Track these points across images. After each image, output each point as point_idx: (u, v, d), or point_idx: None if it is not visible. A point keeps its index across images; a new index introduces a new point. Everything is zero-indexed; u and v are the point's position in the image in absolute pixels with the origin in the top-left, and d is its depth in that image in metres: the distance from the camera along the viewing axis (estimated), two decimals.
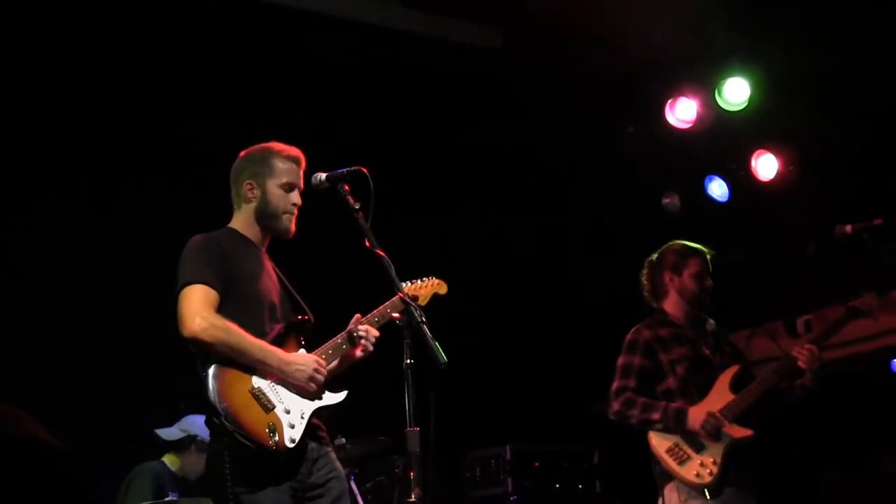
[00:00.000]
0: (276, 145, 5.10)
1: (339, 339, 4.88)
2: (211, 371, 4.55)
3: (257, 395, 4.58)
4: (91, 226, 7.89)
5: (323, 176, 4.88)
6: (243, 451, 4.45)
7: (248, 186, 5.02)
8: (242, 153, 5.14)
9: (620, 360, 6.59)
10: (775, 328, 10.12)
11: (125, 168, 8.06)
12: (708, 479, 6.19)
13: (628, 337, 6.65)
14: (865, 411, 9.50)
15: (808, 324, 9.85)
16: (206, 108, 8.02)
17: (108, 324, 7.80)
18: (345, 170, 4.82)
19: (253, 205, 5.03)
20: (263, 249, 5.08)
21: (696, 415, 6.31)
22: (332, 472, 4.76)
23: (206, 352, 4.59)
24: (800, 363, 6.35)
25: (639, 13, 8.05)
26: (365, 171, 4.71)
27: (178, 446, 7.51)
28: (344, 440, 7.00)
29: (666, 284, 6.73)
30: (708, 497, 6.22)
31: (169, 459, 7.55)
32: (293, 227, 5.04)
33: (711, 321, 6.73)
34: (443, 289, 5.41)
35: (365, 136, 8.18)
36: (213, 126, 7.80)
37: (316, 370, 4.70)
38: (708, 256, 6.69)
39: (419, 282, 5.31)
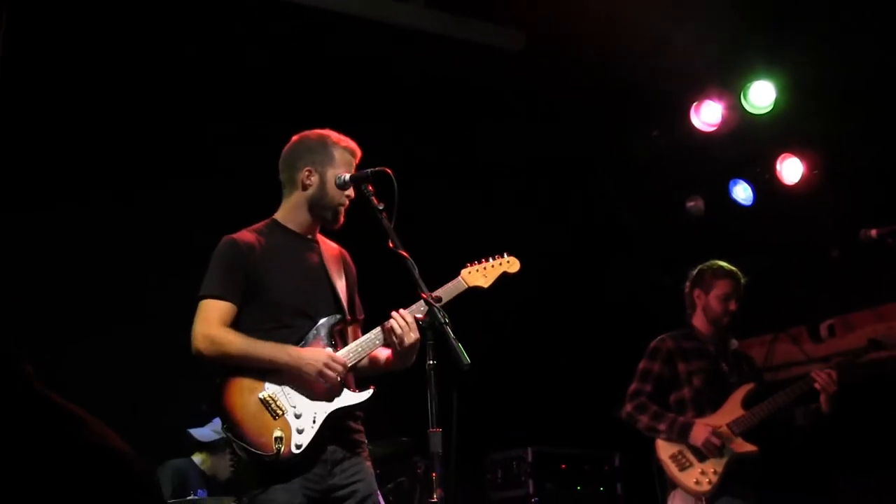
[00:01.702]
0: (334, 134, 5.05)
1: (371, 333, 4.82)
2: (222, 380, 4.63)
3: (267, 402, 4.59)
4: (122, 219, 7.90)
5: (347, 177, 4.89)
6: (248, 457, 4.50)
7: (307, 172, 4.96)
8: (296, 137, 5.09)
9: (641, 365, 6.82)
10: (799, 333, 10.08)
11: (148, 168, 8.07)
12: (706, 487, 6.38)
13: (652, 344, 6.87)
14: (884, 417, 9.45)
15: (832, 328, 9.81)
16: (224, 109, 8.03)
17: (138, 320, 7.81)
18: (369, 171, 4.82)
19: (309, 192, 4.96)
20: (311, 238, 5.04)
21: (700, 431, 6.49)
22: (357, 473, 4.73)
23: (213, 366, 4.66)
24: (816, 385, 6.43)
25: (663, 16, 8.03)
26: (389, 171, 4.69)
27: (212, 447, 7.53)
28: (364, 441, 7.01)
29: (695, 301, 6.94)
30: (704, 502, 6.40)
31: (199, 457, 7.57)
32: (342, 219, 4.99)
33: (735, 341, 6.96)
34: (514, 267, 5.16)
35: (387, 137, 8.17)
36: (228, 126, 7.85)
37: (327, 365, 4.62)
38: (741, 280, 6.79)
39: (488, 262, 5.11)
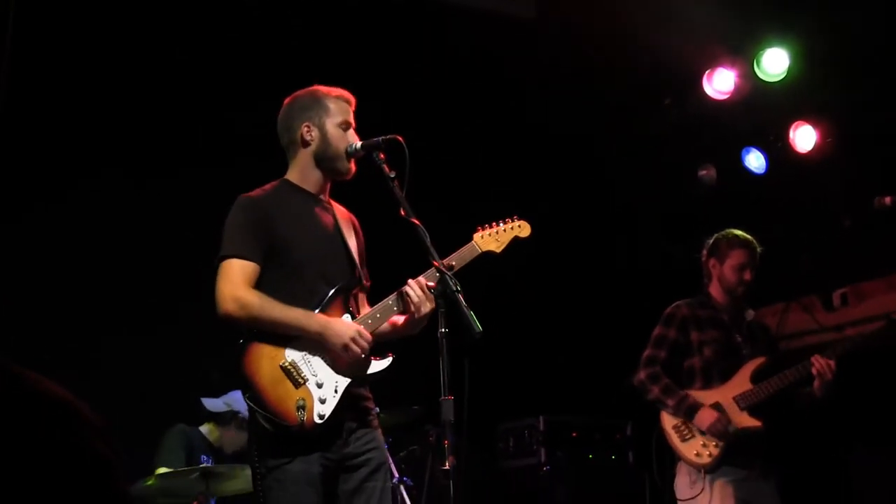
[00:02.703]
0: (323, 87, 5.02)
1: (388, 300, 4.78)
2: (242, 347, 4.59)
3: (288, 370, 4.57)
4: (137, 197, 7.93)
5: (359, 144, 4.86)
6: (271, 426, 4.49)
7: (306, 128, 4.93)
8: (288, 100, 5.07)
9: (656, 331, 6.82)
10: (811, 302, 10.06)
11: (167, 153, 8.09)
12: (707, 460, 6.41)
13: (668, 310, 6.88)
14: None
15: (844, 297, 9.80)
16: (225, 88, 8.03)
17: (147, 293, 7.83)
18: (381, 138, 4.79)
19: (312, 147, 4.94)
20: (324, 197, 5.01)
21: (706, 415, 6.51)
22: (370, 442, 4.73)
23: (241, 328, 4.63)
24: (812, 370, 6.42)
25: None
26: (401, 139, 4.67)
27: (221, 419, 7.56)
28: (377, 409, 7.02)
29: (711, 270, 6.90)
30: (703, 475, 6.43)
31: (207, 428, 7.61)
32: (353, 167, 4.95)
33: (752, 311, 6.92)
34: (525, 231, 5.12)
35: (399, 106, 8.15)
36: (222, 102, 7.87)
37: (354, 340, 4.59)
38: (757, 249, 6.77)
39: (499, 226, 5.06)
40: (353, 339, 4.59)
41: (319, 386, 4.58)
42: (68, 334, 7.48)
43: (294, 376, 4.56)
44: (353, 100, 5.04)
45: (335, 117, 4.94)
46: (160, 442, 7.31)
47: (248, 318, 4.60)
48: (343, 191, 5.14)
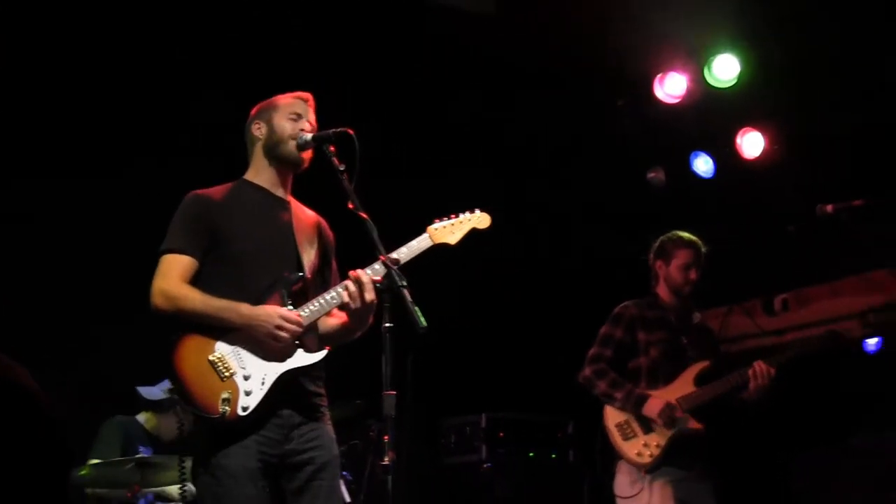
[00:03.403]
0: (283, 94, 5.07)
1: (328, 294, 4.74)
2: (174, 340, 4.58)
3: (215, 364, 4.54)
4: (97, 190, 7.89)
5: (309, 136, 4.86)
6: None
7: (256, 126, 4.99)
8: (253, 110, 5.11)
9: (603, 330, 6.87)
10: (753, 306, 10.15)
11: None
12: (647, 459, 6.47)
13: (616, 310, 6.94)
14: (836, 392, 9.55)
15: (786, 302, 9.90)
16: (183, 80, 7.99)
17: (91, 282, 7.78)
18: (331, 131, 4.78)
19: (261, 141, 4.97)
20: (282, 195, 4.99)
21: (655, 403, 6.56)
22: (316, 439, 4.69)
23: (171, 321, 4.62)
24: (750, 372, 6.48)
25: None
26: (351, 132, 4.66)
27: (158, 407, 7.53)
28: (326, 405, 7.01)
29: (657, 271, 6.97)
30: (643, 474, 6.49)
31: (144, 417, 7.58)
32: (305, 156, 4.93)
33: (698, 314, 6.97)
34: (484, 222, 5.08)
35: (352, 99, 8.13)
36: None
37: (279, 326, 4.56)
38: (701, 249, 6.83)
39: (456, 217, 5.04)
40: (279, 326, 4.56)
41: (246, 378, 4.55)
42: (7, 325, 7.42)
43: (220, 369, 4.54)
44: (309, 97, 5.06)
45: (285, 111, 4.97)
46: (97, 433, 7.28)
47: (175, 311, 4.61)
48: (309, 188, 5.13)
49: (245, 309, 4.60)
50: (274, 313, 4.59)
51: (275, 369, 4.60)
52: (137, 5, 7.63)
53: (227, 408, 4.45)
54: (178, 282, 4.65)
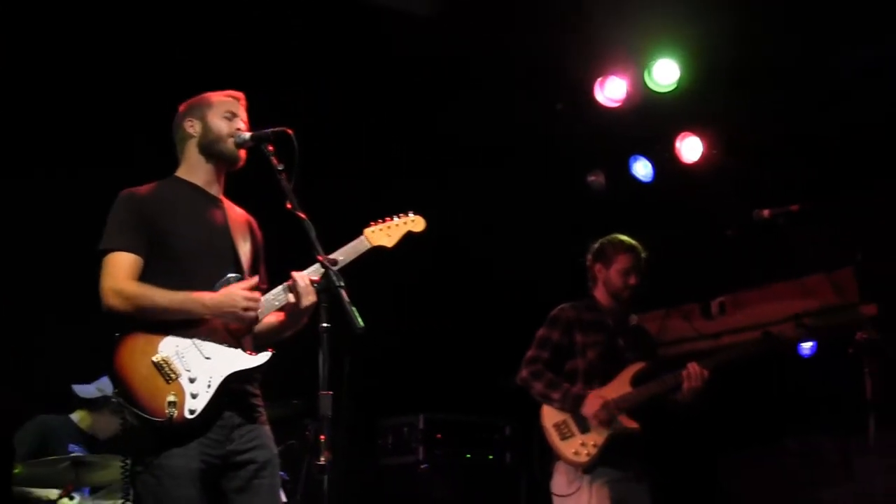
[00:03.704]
0: (214, 91, 5.03)
1: (271, 294, 4.74)
2: (116, 341, 4.54)
3: (160, 366, 4.50)
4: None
5: (247, 135, 4.84)
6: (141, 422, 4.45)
7: (189, 123, 4.94)
8: (180, 107, 5.05)
9: (540, 332, 6.90)
10: (690, 309, 10.23)
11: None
12: (584, 459, 6.51)
13: (553, 312, 6.96)
14: (768, 395, 9.65)
15: (723, 306, 9.99)
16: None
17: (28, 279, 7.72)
18: (270, 130, 4.76)
19: (195, 139, 4.93)
20: (215, 193, 4.97)
21: (592, 402, 6.62)
22: (256, 439, 4.68)
23: (127, 320, 4.57)
24: (683, 373, 6.54)
25: None
26: (290, 132, 4.65)
27: (93, 405, 7.49)
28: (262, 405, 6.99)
29: (597, 274, 6.99)
30: (580, 474, 6.54)
31: (79, 415, 7.53)
32: (241, 154, 4.91)
33: (635, 317, 7.05)
34: (419, 225, 5.10)
35: (287, 100, 8.09)
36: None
37: (245, 308, 4.57)
38: (642, 254, 6.87)
39: (392, 220, 5.04)
40: (246, 308, 4.58)
41: (192, 381, 4.52)
42: None
43: (165, 371, 4.50)
44: (241, 96, 5.04)
45: (219, 109, 4.94)
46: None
47: (133, 308, 4.55)
48: (240, 187, 5.11)
49: (207, 297, 4.59)
50: (237, 294, 4.60)
51: (220, 372, 4.58)
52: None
53: (173, 410, 4.41)
54: (130, 280, 4.61)
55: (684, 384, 6.56)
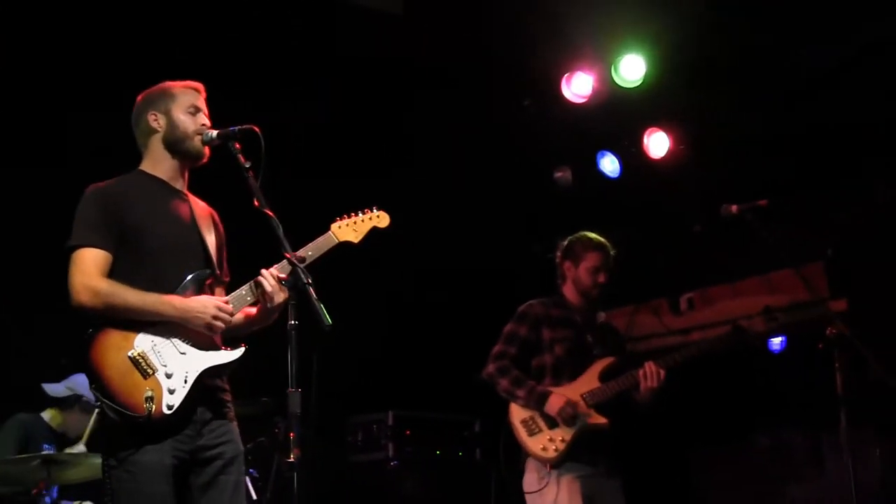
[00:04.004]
0: (171, 81, 5.00)
1: (241, 290, 4.74)
2: (90, 337, 4.52)
3: (136, 361, 4.49)
4: None
5: (214, 133, 4.82)
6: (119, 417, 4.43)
7: (153, 117, 4.90)
8: (139, 97, 5.02)
9: (508, 328, 6.92)
10: (659, 305, 10.26)
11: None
12: (552, 454, 6.53)
13: (521, 308, 6.98)
14: (738, 391, 9.69)
15: (691, 301, 10.02)
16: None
17: None
18: (237, 128, 4.74)
19: (160, 134, 4.90)
20: (180, 187, 4.95)
21: (556, 401, 6.62)
22: (224, 435, 4.68)
23: (96, 317, 4.55)
24: (639, 372, 6.56)
25: None
26: (257, 129, 4.64)
27: (63, 403, 7.48)
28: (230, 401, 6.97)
29: (566, 272, 7.00)
30: (549, 469, 6.53)
31: (49, 414, 7.52)
32: (207, 150, 4.89)
33: (603, 314, 7.07)
34: (384, 221, 5.13)
35: (257, 98, 8.06)
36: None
37: (215, 317, 4.58)
38: (610, 252, 6.88)
39: (357, 216, 5.06)
40: (216, 316, 4.59)
41: (169, 376, 4.51)
42: None
43: (142, 367, 4.49)
44: (201, 88, 5.02)
45: (182, 103, 4.91)
46: None
47: (104, 306, 4.54)
48: (203, 182, 5.08)
49: (178, 302, 4.58)
50: (209, 303, 4.61)
51: (196, 367, 4.59)
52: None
53: (151, 406, 4.41)
54: (101, 277, 4.60)
55: (641, 384, 6.59)
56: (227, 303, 4.66)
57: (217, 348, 4.70)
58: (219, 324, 4.60)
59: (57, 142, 7.92)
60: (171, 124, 4.89)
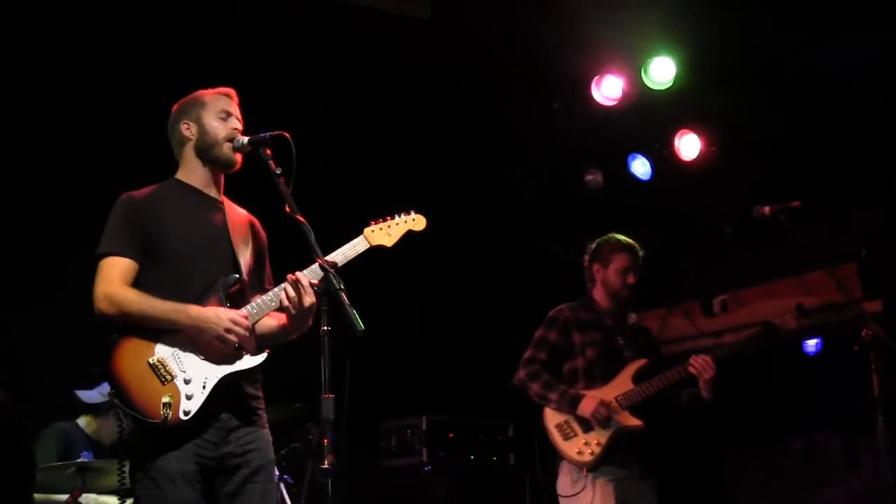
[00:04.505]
0: (203, 90, 5.03)
1: (268, 295, 4.73)
2: (112, 343, 4.55)
3: (155, 367, 4.51)
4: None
5: (245, 140, 4.83)
6: (136, 423, 4.45)
7: (185, 126, 4.93)
8: (174, 107, 5.04)
9: (538, 333, 6.91)
10: (691, 307, 10.22)
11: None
12: (588, 458, 6.50)
13: (551, 313, 6.97)
14: (773, 393, 9.64)
15: (724, 304, 9.98)
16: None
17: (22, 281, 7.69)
18: (267, 134, 4.75)
19: (192, 142, 4.92)
20: (215, 195, 4.97)
21: (589, 403, 6.60)
22: (253, 442, 4.67)
23: (117, 325, 4.58)
24: (691, 370, 6.53)
25: None
26: (287, 135, 4.64)
27: (98, 410, 7.49)
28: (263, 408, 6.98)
29: (594, 274, 6.99)
30: (585, 473, 6.52)
31: (85, 420, 7.53)
32: (238, 157, 4.90)
33: (634, 315, 7.05)
34: (420, 224, 5.08)
35: (290, 106, 8.08)
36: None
37: (228, 329, 4.55)
38: (639, 253, 6.87)
39: (392, 220, 5.03)
40: (228, 329, 4.55)
41: (187, 382, 4.52)
42: None
43: (161, 373, 4.50)
44: (233, 93, 5.03)
45: (212, 109, 4.93)
46: (37, 445, 7.22)
47: (121, 314, 4.57)
48: (243, 189, 5.09)
49: (194, 311, 4.58)
50: (224, 315, 4.58)
51: (215, 373, 4.58)
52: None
53: (168, 412, 4.42)
54: (121, 285, 4.63)
55: (700, 381, 6.56)
56: (245, 317, 4.63)
57: (240, 354, 4.68)
58: (231, 337, 4.56)
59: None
60: (203, 131, 4.91)
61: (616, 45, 8.73)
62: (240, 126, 4.94)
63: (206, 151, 4.91)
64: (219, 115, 4.92)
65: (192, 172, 4.95)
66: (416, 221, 5.11)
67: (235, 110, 4.99)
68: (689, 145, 9.06)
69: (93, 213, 4.89)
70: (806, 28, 8.03)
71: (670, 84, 8.65)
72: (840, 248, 8.56)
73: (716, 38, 8.31)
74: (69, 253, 5.19)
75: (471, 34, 8.48)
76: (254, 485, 4.64)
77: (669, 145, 9.09)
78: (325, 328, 4.32)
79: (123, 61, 7.87)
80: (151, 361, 4.52)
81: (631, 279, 6.86)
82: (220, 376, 4.58)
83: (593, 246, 7.03)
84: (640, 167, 9.35)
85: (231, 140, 4.88)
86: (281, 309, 4.73)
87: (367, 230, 4.98)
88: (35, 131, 7.89)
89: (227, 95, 5.02)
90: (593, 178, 9.59)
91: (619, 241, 6.94)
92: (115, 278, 4.64)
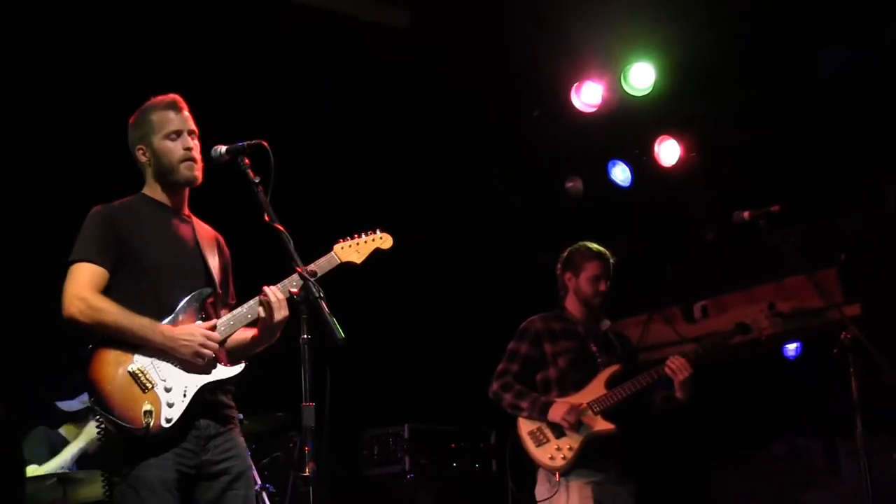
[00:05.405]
0: (152, 100, 4.99)
1: (243, 308, 4.77)
2: (90, 351, 4.55)
3: (136, 375, 4.52)
4: None
5: (223, 149, 4.80)
6: (118, 431, 4.45)
7: (140, 152, 4.92)
8: (130, 119, 5.02)
9: (510, 345, 7.03)
10: (672, 313, 10.23)
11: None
12: (560, 462, 6.55)
13: (522, 325, 7.06)
14: (754, 397, 9.67)
15: (705, 309, 9.98)
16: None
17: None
18: (245, 143, 4.74)
19: (151, 168, 4.92)
20: (181, 209, 4.98)
21: (558, 408, 6.65)
22: (231, 450, 4.70)
23: (86, 332, 4.59)
24: (667, 371, 6.56)
25: None
26: (266, 144, 4.65)
27: (77, 418, 7.47)
28: (241, 416, 6.96)
29: (567, 283, 7.05)
30: (558, 478, 6.57)
31: (66, 430, 7.51)
32: (197, 174, 4.89)
33: (607, 321, 7.07)
34: (387, 243, 5.19)
35: (267, 114, 8.07)
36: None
37: (202, 344, 4.59)
38: (610, 261, 6.91)
39: (360, 238, 5.11)
40: (203, 345, 4.59)
41: (168, 391, 4.54)
42: None
43: (142, 381, 4.52)
44: (179, 101, 4.98)
45: (161, 130, 4.90)
46: (25, 444, 7.20)
47: (93, 321, 4.58)
48: (209, 198, 5.09)
49: (167, 330, 4.60)
50: (197, 332, 4.61)
51: (195, 381, 4.61)
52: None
53: (150, 420, 4.43)
54: (94, 292, 4.63)
55: (675, 381, 6.58)
56: (213, 329, 4.67)
57: (217, 364, 4.70)
58: (206, 352, 4.60)
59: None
60: (156, 157, 4.90)
61: (595, 52, 8.74)
62: (192, 144, 4.90)
63: (165, 177, 4.92)
64: (169, 137, 4.89)
65: (157, 191, 4.97)
66: (383, 240, 5.21)
67: (184, 123, 4.94)
68: (669, 151, 9.06)
69: (72, 225, 4.87)
70: (786, 35, 8.06)
71: (650, 90, 8.65)
72: (820, 253, 8.58)
73: (695, 44, 8.33)
74: (47, 265, 5.16)
75: (449, 42, 8.49)
76: (235, 491, 4.67)
77: (649, 151, 9.09)
78: (306, 336, 4.32)
79: (114, 66, 7.87)
80: (132, 370, 4.53)
81: (602, 286, 6.89)
82: (199, 384, 4.61)
83: (565, 255, 7.07)
84: (621, 174, 9.36)
85: (186, 160, 4.87)
86: (253, 322, 4.76)
87: (336, 247, 5.06)
88: None
89: (174, 107, 4.95)
90: (573, 185, 9.60)
91: (589, 248, 6.97)
92: (86, 283, 4.65)
